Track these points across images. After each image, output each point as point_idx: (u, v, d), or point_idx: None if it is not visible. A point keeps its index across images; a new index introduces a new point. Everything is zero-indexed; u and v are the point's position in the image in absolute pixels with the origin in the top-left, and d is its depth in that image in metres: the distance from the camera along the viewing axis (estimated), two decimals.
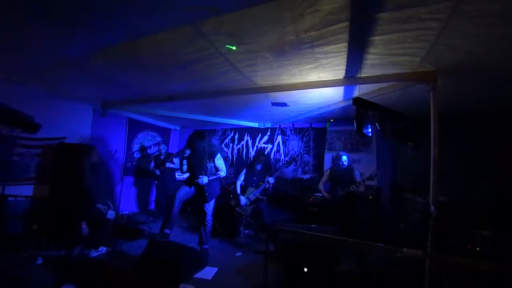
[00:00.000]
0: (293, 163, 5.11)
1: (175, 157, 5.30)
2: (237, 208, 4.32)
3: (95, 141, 4.99)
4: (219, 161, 3.65)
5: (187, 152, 3.48)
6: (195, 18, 2.04)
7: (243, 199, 4.26)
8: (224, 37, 2.28)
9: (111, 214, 3.78)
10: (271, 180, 4.25)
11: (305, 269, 2.61)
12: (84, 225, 3.22)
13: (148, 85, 3.77)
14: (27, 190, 4.01)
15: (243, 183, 4.47)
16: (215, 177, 3.57)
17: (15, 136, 3.85)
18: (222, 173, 3.65)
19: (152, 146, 6.54)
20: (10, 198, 3.60)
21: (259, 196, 4.28)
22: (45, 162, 4.23)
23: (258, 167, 4.46)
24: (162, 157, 5.69)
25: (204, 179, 3.45)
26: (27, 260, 3.03)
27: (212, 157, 3.59)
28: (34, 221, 3.62)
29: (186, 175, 3.74)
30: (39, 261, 3.05)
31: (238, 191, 4.40)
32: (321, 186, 4.36)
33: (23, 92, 3.84)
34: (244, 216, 4.33)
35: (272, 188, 4.48)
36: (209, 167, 3.54)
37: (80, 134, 4.76)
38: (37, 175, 4.16)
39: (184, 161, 3.55)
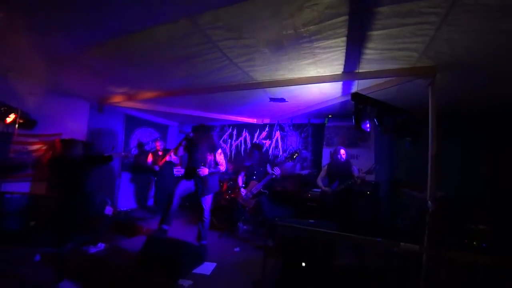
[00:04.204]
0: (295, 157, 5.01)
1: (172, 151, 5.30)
2: (239, 200, 4.32)
3: (92, 137, 4.95)
4: (220, 156, 3.64)
5: (191, 135, 3.49)
6: (191, 11, 2.01)
7: (244, 192, 4.25)
8: (221, 31, 2.25)
9: (108, 210, 3.77)
10: (276, 171, 4.20)
11: (303, 264, 2.63)
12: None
13: (145, 81, 3.74)
14: (24, 187, 3.98)
15: (244, 179, 4.45)
16: (215, 170, 3.56)
17: (11, 132, 3.82)
18: (222, 167, 3.65)
19: (150, 142, 6.50)
20: (7, 195, 3.58)
21: (261, 190, 4.26)
22: (41, 158, 4.20)
23: (256, 160, 4.42)
24: (159, 153, 5.66)
25: (205, 171, 3.44)
26: (25, 257, 3.02)
27: (213, 150, 3.59)
28: (31, 217, 3.60)
29: (183, 170, 3.74)
30: (37, 257, 3.04)
31: (240, 183, 4.38)
32: (319, 182, 4.36)
33: (19, 88, 3.80)
34: (247, 208, 4.32)
35: (273, 182, 4.41)
36: (209, 160, 3.54)
37: (77, 130, 4.71)
38: (33, 172, 4.13)
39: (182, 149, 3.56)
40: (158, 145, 5.79)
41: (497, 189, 4.10)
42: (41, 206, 3.76)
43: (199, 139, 3.53)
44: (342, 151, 4.20)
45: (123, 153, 4.67)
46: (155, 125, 6.72)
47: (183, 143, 3.56)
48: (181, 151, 3.61)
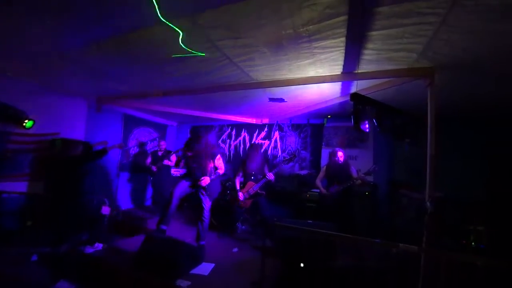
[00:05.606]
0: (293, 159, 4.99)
1: (172, 154, 5.33)
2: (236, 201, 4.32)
3: (90, 136, 4.93)
4: (219, 161, 3.66)
5: (188, 154, 3.56)
6: (191, 10, 2.00)
7: (242, 195, 4.24)
8: (220, 30, 2.24)
9: (105, 210, 3.76)
10: (270, 176, 4.22)
11: (302, 264, 2.62)
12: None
13: (143, 80, 3.72)
14: (21, 187, 3.96)
15: (242, 180, 4.44)
16: (215, 176, 3.58)
17: (8, 131, 3.80)
18: (221, 171, 3.67)
19: (149, 142, 6.49)
20: (4, 195, 3.56)
21: (258, 191, 4.25)
22: (38, 158, 4.18)
23: (254, 161, 4.40)
24: (160, 153, 5.64)
25: (206, 180, 3.48)
26: (22, 257, 3.00)
27: (213, 158, 3.60)
28: (28, 217, 3.59)
29: (182, 171, 3.75)
30: (34, 257, 3.02)
31: (237, 187, 4.37)
32: (318, 183, 4.35)
33: (16, 87, 3.78)
34: (244, 208, 4.32)
35: (271, 183, 4.42)
36: (209, 168, 3.55)
37: (75, 129, 4.70)
38: (31, 171, 4.11)
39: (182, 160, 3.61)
40: (162, 144, 5.75)
41: (495, 190, 4.11)
42: (38, 206, 3.74)
43: (196, 150, 3.56)
44: (340, 153, 4.18)
45: (116, 144, 4.33)
46: (153, 124, 6.71)
47: (182, 160, 3.62)
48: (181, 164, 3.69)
